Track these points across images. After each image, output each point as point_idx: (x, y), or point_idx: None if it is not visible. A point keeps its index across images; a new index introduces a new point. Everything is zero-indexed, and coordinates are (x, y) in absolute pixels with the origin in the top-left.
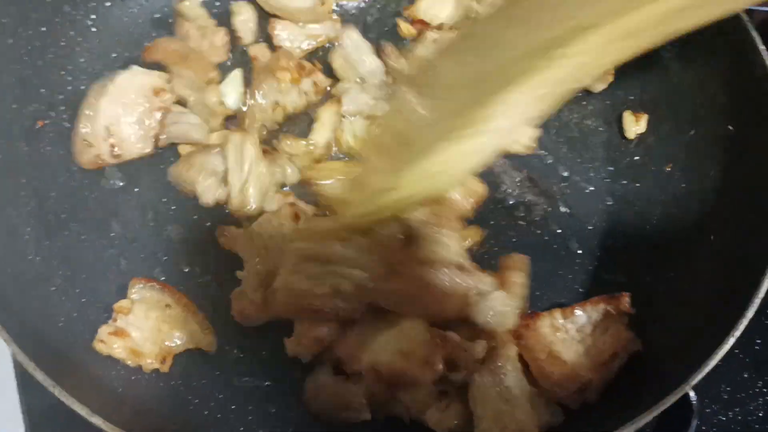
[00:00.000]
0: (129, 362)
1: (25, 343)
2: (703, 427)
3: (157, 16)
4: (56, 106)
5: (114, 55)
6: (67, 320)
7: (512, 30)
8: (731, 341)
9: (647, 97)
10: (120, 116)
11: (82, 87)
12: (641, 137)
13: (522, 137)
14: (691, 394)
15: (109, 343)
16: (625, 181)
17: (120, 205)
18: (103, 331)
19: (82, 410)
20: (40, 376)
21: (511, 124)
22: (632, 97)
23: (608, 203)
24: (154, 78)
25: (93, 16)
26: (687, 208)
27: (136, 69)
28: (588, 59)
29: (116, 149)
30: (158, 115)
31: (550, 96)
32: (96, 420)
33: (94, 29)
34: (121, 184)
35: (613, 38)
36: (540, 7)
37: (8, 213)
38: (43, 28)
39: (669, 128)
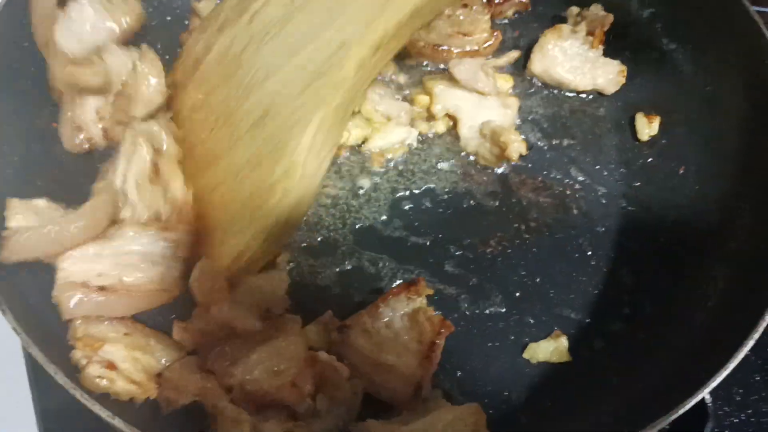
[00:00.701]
0: (131, 395)
1: (48, 347)
2: (716, 429)
3: (168, 18)
4: None
5: None
6: None
7: None
8: (750, 344)
9: (660, 99)
10: None
11: None
12: (654, 139)
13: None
14: (707, 397)
15: (108, 377)
16: (638, 183)
17: None
18: (94, 369)
19: (103, 413)
20: (61, 379)
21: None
22: (645, 100)
23: (622, 205)
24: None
25: None
26: (702, 210)
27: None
28: None
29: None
30: None
31: None
32: (118, 423)
33: None
34: None
35: None
36: None
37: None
38: None
39: (682, 131)
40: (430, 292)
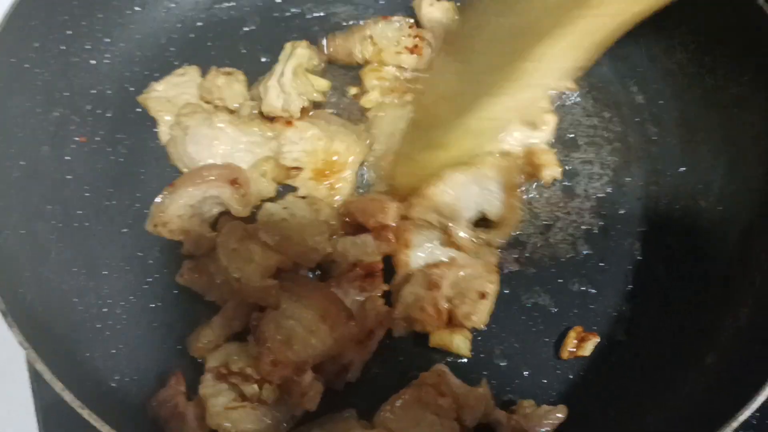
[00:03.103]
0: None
1: (55, 364)
2: None
3: (179, 25)
4: (80, 110)
5: (139, 59)
6: (92, 331)
7: None
8: None
9: (680, 111)
10: None
11: (108, 92)
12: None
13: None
14: None
15: (188, 277)
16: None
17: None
18: (185, 266)
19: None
20: (68, 396)
21: (551, 77)
22: (665, 113)
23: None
24: None
25: (120, 21)
26: (725, 234)
27: None
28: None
29: None
30: None
31: (585, 46)
32: None
33: (120, 33)
34: None
35: None
36: None
37: (34, 225)
38: (69, 32)
39: (705, 149)
40: (386, 287)
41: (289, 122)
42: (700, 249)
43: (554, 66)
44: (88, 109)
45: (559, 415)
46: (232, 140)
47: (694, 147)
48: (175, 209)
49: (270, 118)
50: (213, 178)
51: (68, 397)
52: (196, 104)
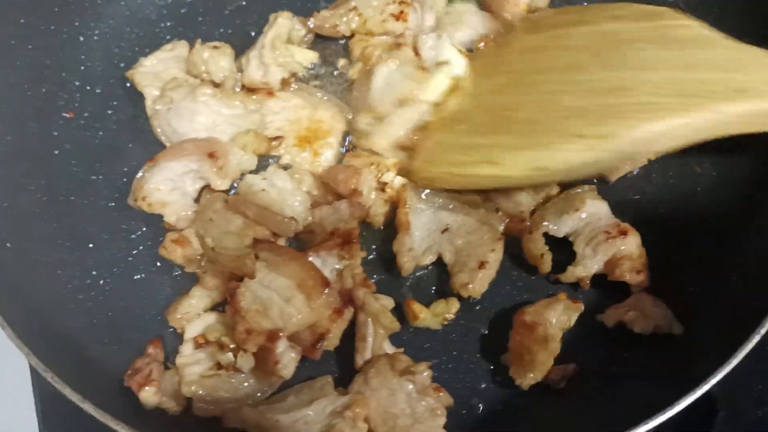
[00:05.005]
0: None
1: (26, 331)
2: (734, 425)
3: (169, 0)
4: (68, 86)
5: (128, 35)
6: (74, 302)
7: None
8: (756, 339)
9: None
10: None
11: (98, 68)
12: None
13: None
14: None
15: (170, 249)
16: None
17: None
18: (168, 238)
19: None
20: (33, 360)
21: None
22: None
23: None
24: None
25: None
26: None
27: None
28: None
29: None
30: None
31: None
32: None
33: (109, 9)
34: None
35: None
36: None
37: (18, 199)
38: (56, 8)
39: None
40: (364, 254)
41: (270, 93)
42: (693, 215)
43: (646, 145)
44: (76, 85)
45: None
46: (214, 113)
47: None
48: (156, 183)
49: (252, 90)
50: (190, 151)
51: (33, 360)
52: (181, 78)
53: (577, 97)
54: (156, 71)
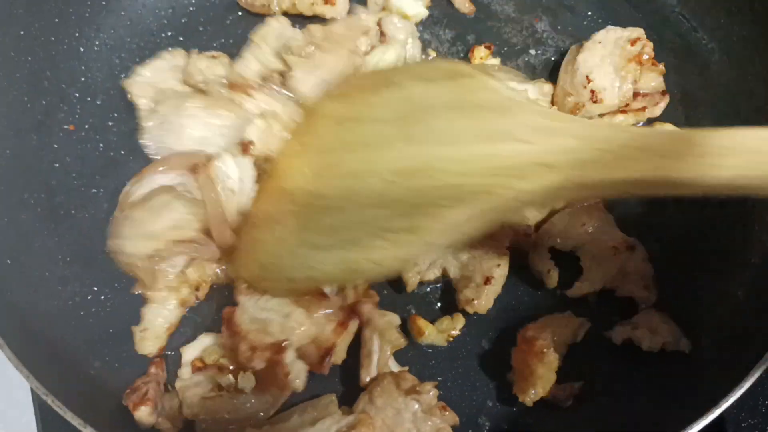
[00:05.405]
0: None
1: (23, 349)
2: None
3: (170, 10)
4: (69, 98)
5: (129, 45)
6: (75, 318)
7: None
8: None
9: (686, 91)
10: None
11: (98, 79)
12: None
13: None
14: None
15: None
16: None
17: None
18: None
19: None
20: (33, 383)
21: (447, 239)
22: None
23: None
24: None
25: (108, 6)
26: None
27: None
28: None
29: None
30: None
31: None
32: None
33: (109, 20)
34: None
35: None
36: None
37: (18, 214)
38: (56, 19)
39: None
40: None
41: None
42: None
43: (455, 232)
44: (77, 97)
45: None
46: (204, 125)
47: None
48: (141, 196)
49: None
50: (174, 165)
51: (34, 383)
52: (169, 91)
53: (382, 182)
54: (152, 82)
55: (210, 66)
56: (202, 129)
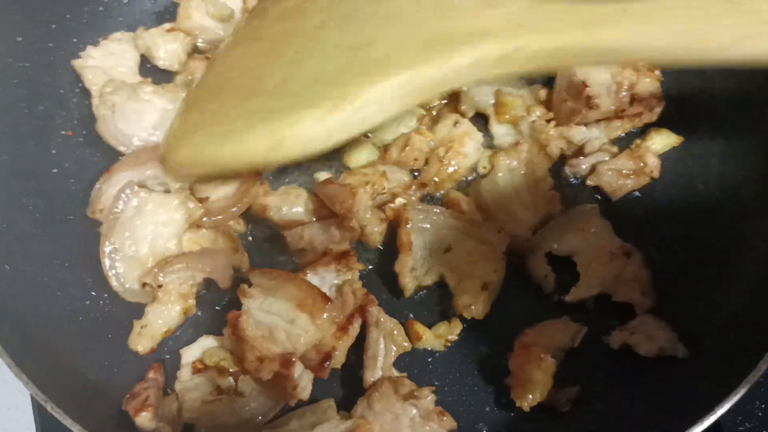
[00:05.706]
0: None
1: (21, 355)
2: None
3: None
4: (66, 104)
5: None
6: (74, 324)
7: None
8: (764, 367)
9: (683, 96)
10: None
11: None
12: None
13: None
14: None
15: None
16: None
17: None
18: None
19: None
20: (32, 389)
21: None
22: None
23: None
24: None
25: (106, 12)
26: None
27: None
28: None
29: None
30: None
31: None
32: None
33: (105, 26)
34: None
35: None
36: None
37: (15, 219)
38: (54, 26)
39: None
40: (362, 267)
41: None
42: (696, 234)
43: (407, 99)
44: (75, 103)
45: None
46: (160, 110)
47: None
48: (112, 194)
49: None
50: (144, 159)
51: (33, 389)
52: (118, 81)
53: (321, 60)
54: (105, 66)
55: (166, 39)
56: (159, 113)
